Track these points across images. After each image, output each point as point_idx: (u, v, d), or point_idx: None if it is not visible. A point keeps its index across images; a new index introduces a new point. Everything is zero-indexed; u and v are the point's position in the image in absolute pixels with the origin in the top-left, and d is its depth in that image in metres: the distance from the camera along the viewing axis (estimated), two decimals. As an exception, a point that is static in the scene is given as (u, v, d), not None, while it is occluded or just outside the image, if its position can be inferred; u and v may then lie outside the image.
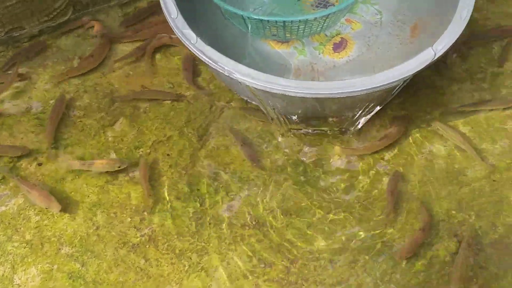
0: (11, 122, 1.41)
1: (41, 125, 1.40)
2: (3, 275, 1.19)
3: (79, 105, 1.43)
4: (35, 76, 1.49)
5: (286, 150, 1.35)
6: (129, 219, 1.26)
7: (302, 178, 1.32)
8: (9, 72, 1.49)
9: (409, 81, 1.23)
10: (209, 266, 1.20)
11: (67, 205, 1.27)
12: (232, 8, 1.33)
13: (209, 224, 1.25)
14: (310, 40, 1.45)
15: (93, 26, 1.55)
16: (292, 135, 1.36)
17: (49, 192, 1.28)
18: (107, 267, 1.21)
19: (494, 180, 1.29)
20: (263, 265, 1.20)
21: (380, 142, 1.34)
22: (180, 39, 1.26)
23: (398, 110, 1.40)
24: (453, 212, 1.25)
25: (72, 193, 1.30)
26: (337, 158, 1.34)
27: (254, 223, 1.26)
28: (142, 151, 1.35)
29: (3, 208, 1.28)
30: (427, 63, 1.20)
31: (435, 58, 1.20)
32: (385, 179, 1.31)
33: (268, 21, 1.34)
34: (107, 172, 1.31)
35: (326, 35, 1.46)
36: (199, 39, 1.25)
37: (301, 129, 1.36)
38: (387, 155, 1.34)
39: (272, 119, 1.34)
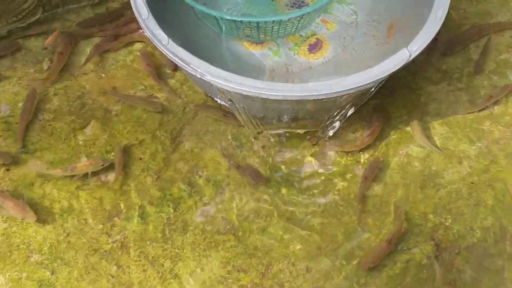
0: (-22, 126, 1.39)
1: (9, 130, 1.37)
2: (-31, 284, 1.17)
3: (48, 108, 1.40)
4: (3, 78, 1.46)
5: (261, 153, 1.34)
6: (101, 225, 1.24)
7: (277, 181, 1.30)
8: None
9: (386, 82, 1.22)
10: (183, 272, 1.19)
11: (36, 211, 1.25)
12: (205, 9, 1.32)
13: (183, 229, 1.24)
14: (285, 41, 1.44)
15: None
16: (266, 138, 1.35)
17: (24, 201, 1.26)
18: (78, 275, 1.19)
19: (471, 183, 1.29)
20: (237, 271, 1.19)
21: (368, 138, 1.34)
22: (151, 40, 1.24)
23: (374, 111, 1.39)
24: (430, 215, 1.25)
25: (41, 198, 1.28)
26: (313, 161, 1.33)
27: (228, 228, 1.24)
28: (113, 155, 1.33)
29: (-31, 215, 1.26)
30: (402, 64, 1.19)
31: (410, 59, 1.20)
32: (362, 182, 1.30)
33: (241, 21, 1.33)
34: (74, 176, 1.29)
35: (301, 36, 1.45)
36: (170, 40, 1.23)
37: (275, 132, 1.34)
38: (363, 158, 1.33)
39: (245, 121, 1.32)
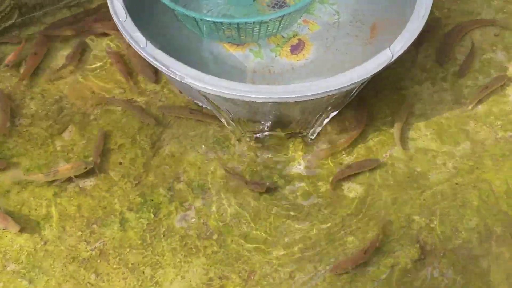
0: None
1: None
2: None
3: (25, 113, 1.38)
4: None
5: (243, 156, 1.32)
6: (79, 233, 1.23)
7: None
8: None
9: (370, 82, 1.21)
10: (163, 280, 1.17)
11: (12, 219, 1.23)
12: (184, 10, 1.30)
13: (163, 235, 1.23)
14: (267, 42, 1.43)
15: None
16: (249, 140, 1.34)
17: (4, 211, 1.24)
18: (56, 284, 1.17)
19: (456, 183, 1.29)
20: (219, 278, 1.18)
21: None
22: (129, 43, 1.22)
23: (358, 112, 1.38)
24: (415, 217, 1.24)
25: (18, 206, 1.26)
26: (297, 164, 1.32)
27: (210, 233, 1.23)
28: (92, 158, 1.31)
29: None
30: (385, 64, 1.18)
31: (393, 59, 1.19)
32: (345, 185, 1.29)
33: (221, 23, 1.31)
34: (56, 181, 1.28)
35: (283, 37, 1.44)
36: (149, 43, 1.21)
37: (257, 134, 1.33)
38: (347, 160, 1.33)
39: (227, 124, 1.31)
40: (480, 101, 1.40)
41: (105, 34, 1.51)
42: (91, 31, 1.51)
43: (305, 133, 1.34)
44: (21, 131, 1.35)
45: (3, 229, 1.22)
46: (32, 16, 1.53)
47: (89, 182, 1.28)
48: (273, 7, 1.47)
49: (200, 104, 1.37)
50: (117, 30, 1.23)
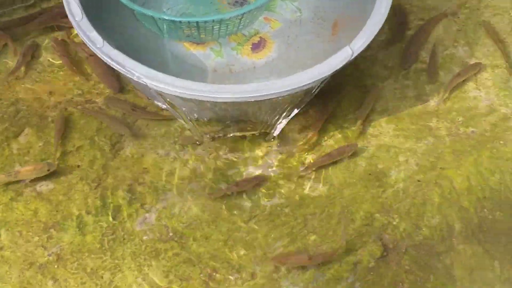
0: None
1: None
2: None
3: (-21, 116, 1.37)
4: None
5: (204, 157, 1.32)
6: (36, 238, 1.21)
7: (221, 186, 1.29)
8: None
9: (331, 80, 1.22)
10: (123, 284, 1.17)
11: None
12: (142, 9, 1.29)
13: (123, 239, 1.22)
14: (228, 40, 1.43)
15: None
16: (210, 141, 1.33)
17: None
18: (12, 291, 1.16)
19: (418, 180, 1.30)
20: (180, 280, 1.17)
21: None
22: (86, 43, 1.21)
23: (320, 110, 1.39)
24: (377, 215, 1.25)
25: (-27, 211, 1.24)
26: (258, 164, 1.32)
27: (170, 236, 1.22)
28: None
29: None
30: (345, 62, 1.19)
31: (353, 56, 1.20)
32: (307, 184, 1.29)
33: (181, 22, 1.31)
34: (20, 181, 1.27)
35: (244, 35, 1.44)
36: (105, 43, 1.21)
37: (218, 134, 1.33)
38: (309, 159, 1.33)
39: (187, 125, 1.31)
40: (453, 89, 1.42)
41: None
42: (59, 27, 1.50)
43: (267, 132, 1.34)
44: (-25, 135, 1.34)
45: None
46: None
47: (46, 186, 1.27)
48: (233, 5, 1.47)
49: (160, 105, 1.37)
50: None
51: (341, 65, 1.18)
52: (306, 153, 1.34)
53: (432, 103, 1.40)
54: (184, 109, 1.26)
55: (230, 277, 1.18)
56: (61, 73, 1.44)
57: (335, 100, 1.40)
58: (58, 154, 1.31)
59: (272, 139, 1.34)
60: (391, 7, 1.26)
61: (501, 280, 1.18)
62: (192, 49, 1.42)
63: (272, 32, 1.45)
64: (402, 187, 1.29)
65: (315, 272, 1.18)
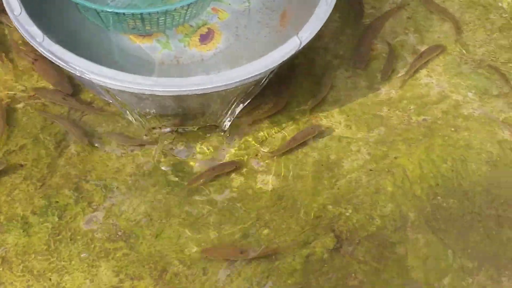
0: None
1: None
2: None
3: None
4: None
5: (152, 152, 1.31)
6: (-21, 241, 1.19)
7: (171, 181, 1.28)
8: None
9: (282, 70, 1.22)
10: (71, 286, 1.15)
11: None
12: (84, 1, 1.27)
13: (70, 239, 1.20)
14: (175, 32, 1.42)
15: None
16: (158, 136, 1.32)
17: None
18: (-45, 297, 1.14)
19: (370, 170, 1.31)
20: (130, 279, 1.16)
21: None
22: (25, 39, 1.19)
23: (271, 101, 1.38)
24: (330, 206, 1.26)
25: None
26: (209, 157, 1.31)
27: (119, 235, 1.21)
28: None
29: None
30: (293, 52, 1.19)
31: (301, 47, 1.20)
32: (260, 176, 1.29)
33: (124, 14, 1.29)
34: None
35: (192, 26, 1.43)
36: (46, 37, 1.19)
37: (166, 129, 1.32)
38: (261, 150, 1.33)
39: (134, 119, 1.29)
40: (416, 71, 1.44)
41: None
42: None
43: (217, 125, 1.33)
44: None
45: None
46: None
47: (-12, 187, 1.25)
48: (180, -5, 1.46)
49: (107, 99, 1.35)
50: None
51: (289, 56, 1.18)
52: (258, 145, 1.33)
53: (384, 91, 1.41)
54: (131, 103, 1.25)
55: (181, 273, 1.17)
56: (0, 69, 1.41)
57: (286, 91, 1.40)
58: (0, 154, 1.28)
59: (222, 132, 1.33)
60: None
61: (454, 268, 1.19)
62: (138, 41, 1.40)
63: (220, 23, 1.45)
64: (355, 177, 1.29)
65: (268, 265, 1.18)
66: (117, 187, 1.26)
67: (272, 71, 1.19)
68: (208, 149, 1.32)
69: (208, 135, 1.34)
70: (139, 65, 1.37)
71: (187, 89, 1.12)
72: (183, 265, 1.18)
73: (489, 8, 1.57)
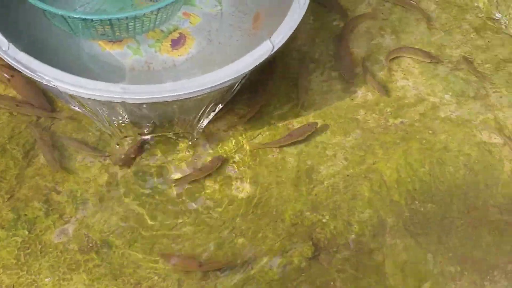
0: None
1: None
2: None
3: None
4: None
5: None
6: None
7: (145, 190, 1.27)
8: None
9: (257, 74, 1.21)
10: (41, 300, 1.14)
11: None
12: (50, 7, 1.25)
13: (40, 253, 1.18)
14: (146, 37, 1.40)
15: None
16: (130, 144, 1.31)
17: None
18: None
19: (347, 175, 1.30)
20: (103, 293, 1.15)
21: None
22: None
23: (247, 106, 1.37)
24: (307, 213, 1.25)
25: None
26: (183, 165, 1.30)
27: (91, 246, 1.19)
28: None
29: None
30: (265, 57, 1.18)
31: (273, 51, 1.19)
32: (235, 184, 1.28)
33: (92, 19, 1.27)
34: None
35: (163, 31, 1.42)
36: (11, 45, 1.17)
37: (139, 137, 1.30)
38: (237, 157, 1.32)
39: (105, 128, 1.28)
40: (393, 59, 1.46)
41: None
42: None
43: (190, 132, 1.32)
44: None
45: None
46: None
47: (-46, 200, 1.22)
48: (150, 0, 1.44)
49: (77, 108, 1.33)
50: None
51: (261, 60, 1.17)
52: (233, 151, 1.32)
53: (360, 94, 1.41)
54: (100, 112, 1.23)
55: (155, 286, 1.16)
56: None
57: (261, 95, 1.39)
58: (-34, 166, 1.26)
59: (197, 139, 1.32)
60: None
61: (434, 274, 1.19)
62: (108, 48, 1.38)
63: (192, 27, 1.43)
64: (332, 183, 1.29)
65: (244, 275, 1.17)
66: (89, 199, 1.25)
67: (244, 76, 1.18)
68: (182, 157, 1.31)
69: (181, 142, 1.32)
70: (109, 71, 1.36)
71: (158, 96, 1.10)
72: (158, 277, 1.17)
73: (465, 8, 1.58)
